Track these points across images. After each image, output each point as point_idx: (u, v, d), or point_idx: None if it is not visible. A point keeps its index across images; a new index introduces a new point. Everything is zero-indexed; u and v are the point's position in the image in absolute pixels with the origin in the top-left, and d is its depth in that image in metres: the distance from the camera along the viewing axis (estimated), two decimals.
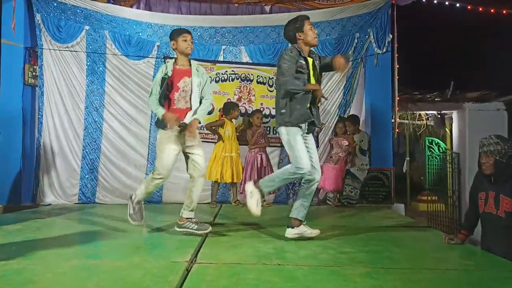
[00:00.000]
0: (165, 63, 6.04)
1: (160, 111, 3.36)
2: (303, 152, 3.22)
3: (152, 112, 6.14)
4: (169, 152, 3.40)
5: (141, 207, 3.60)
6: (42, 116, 5.94)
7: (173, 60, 3.55)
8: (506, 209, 2.87)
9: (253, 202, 3.31)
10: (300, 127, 3.28)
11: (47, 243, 3.18)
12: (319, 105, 3.37)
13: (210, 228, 3.42)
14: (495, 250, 2.93)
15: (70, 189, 5.97)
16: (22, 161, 5.78)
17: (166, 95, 3.38)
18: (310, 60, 3.38)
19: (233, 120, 5.66)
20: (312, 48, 3.47)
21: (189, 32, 3.49)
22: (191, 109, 3.45)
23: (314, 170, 3.28)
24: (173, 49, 3.57)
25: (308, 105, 3.28)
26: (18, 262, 2.61)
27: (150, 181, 3.46)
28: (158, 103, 3.40)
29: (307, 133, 3.37)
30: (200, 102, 3.51)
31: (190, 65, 3.50)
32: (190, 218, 3.45)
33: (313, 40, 3.35)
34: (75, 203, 5.85)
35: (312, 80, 3.34)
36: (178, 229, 3.46)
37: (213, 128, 5.60)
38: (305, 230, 3.30)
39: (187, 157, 3.51)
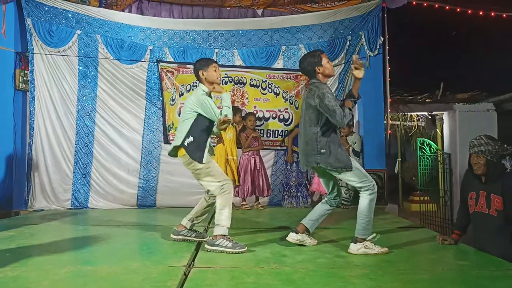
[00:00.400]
0: (158, 66, 6.12)
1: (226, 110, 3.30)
2: (361, 167, 3.28)
3: (145, 115, 6.14)
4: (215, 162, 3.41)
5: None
6: (33, 121, 5.89)
7: (204, 89, 3.38)
8: (497, 207, 2.91)
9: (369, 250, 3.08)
10: None
11: (41, 250, 3.14)
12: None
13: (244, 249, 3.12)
14: (487, 248, 2.97)
15: (62, 194, 5.91)
16: (14, 166, 5.71)
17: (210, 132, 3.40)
18: None
19: (234, 124, 5.66)
20: None
21: (215, 62, 3.46)
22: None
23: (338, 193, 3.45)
24: (200, 79, 3.40)
25: None
26: (12, 269, 2.58)
27: (225, 195, 3.23)
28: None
29: None
30: None
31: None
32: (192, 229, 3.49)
33: (332, 71, 3.43)
34: (67, 209, 5.80)
35: None
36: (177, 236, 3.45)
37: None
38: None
39: None
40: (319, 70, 3.30)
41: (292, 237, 3.31)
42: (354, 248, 3.05)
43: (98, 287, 2.25)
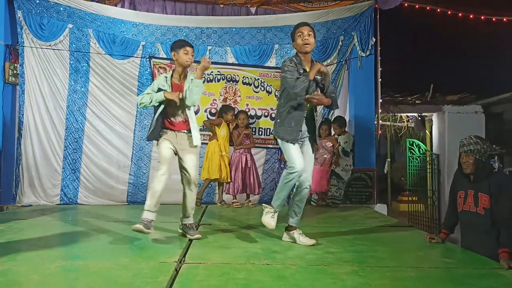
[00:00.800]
0: (150, 62, 6.10)
1: (159, 94, 3.38)
2: (296, 153, 3.25)
3: (136, 111, 6.11)
4: (166, 146, 3.44)
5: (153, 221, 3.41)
6: (22, 115, 5.82)
7: (171, 73, 3.55)
8: (484, 205, 2.96)
9: (267, 217, 3.27)
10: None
11: (31, 244, 3.12)
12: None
13: (197, 236, 3.39)
14: (474, 247, 3.03)
15: (51, 189, 5.86)
16: (2, 161, 5.64)
17: (163, 109, 3.42)
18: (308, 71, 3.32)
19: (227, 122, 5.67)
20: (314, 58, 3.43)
21: (190, 45, 3.49)
22: (187, 120, 3.48)
23: (304, 175, 3.29)
24: (173, 60, 3.54)
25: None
26: (2, 264, 2.57)
27: (154, 178, 3.44)
28: (146, 94, 3.47)
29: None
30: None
31: (187, 77, 3.50)
32: (189, 224, 3.53)
33: (301, 47, 3.25)
34: (56, 204, 5.75)
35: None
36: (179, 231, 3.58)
37: (211, 125, 5.64)
38: (297, 237, 3.28)
39: (179, 164, 3.51)
40: (294, 45, 3.34)
41: (284, 236, 3.39)
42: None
43: (89, 282, 2.25)
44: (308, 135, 3.37)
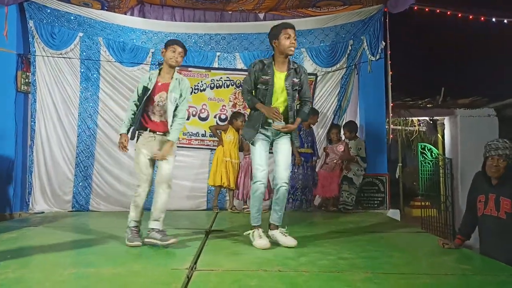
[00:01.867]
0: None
1: (122, 128, 3.47)
2: (258, 158, 3.27)
3: None
4: (143, 159, 3.41)
5: (138, 227, 3.44)
6: (34, 123, 5.88)
7: (158, 71, 3.50)
8: (506, 210, 2.90)
9: (255, 241, 3.26)
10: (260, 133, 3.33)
11: (43, 252, 3.13)
12: (278, 127, 3.25)
13: (172, 240, 3.23)
14: (494, 253, 2.95)
15: (63, 196, 5.89)
16: (14, 168, 5.70)
17: (144, 106, 3.37)
18: (279, 74, 3.27)
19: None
20: (294, 61, 3.42)
21: (181, 46, 3.41)
22: (164, 121, 3.40)
23: (278, 173, 3.28)
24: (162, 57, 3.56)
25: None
26: (14, 271, 2.56)
27: (135, 193, 3.45)
28: (131, 111, 3.44)
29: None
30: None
31: (171, 78, 3.43)
32: (154, 229, 3.34)
33: (287, 49, 3.19)
34: (68, 211, 5.78)
35: (275, 97, 3.27)
36: (145, 240, 3.35)
37: (217, 131, 5.65)
38: (277, 236, 3.32)
39: (154, 162, 3.49)
40: (275, 44, 3.25)
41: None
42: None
43: None
44: (285, 134, 3.35)
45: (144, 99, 3.35)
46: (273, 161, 3.41)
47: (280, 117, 3.22)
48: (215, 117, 6.18)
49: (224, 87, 6.25)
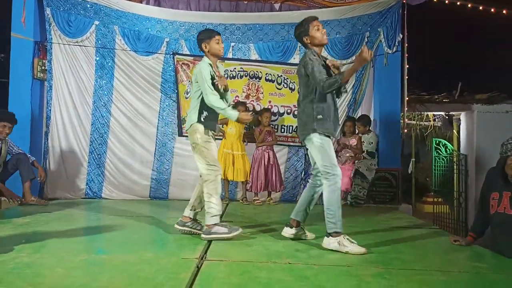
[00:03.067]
0: (173, 59, 6.13)
1: (233, 112, 3.32)
2: (333, 155, 3.11)
3: (159, 107, 6.15)
4: (214, 147, 3.43)
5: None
6: (50, 110, 5.95)
7: (207, 62, 3.36)
8: None
9: (348, 246, 2.91)
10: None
11: (56, 237, 3.18)
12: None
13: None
14: (507, 251, 2.90)
15: (77, 184, 5.97)
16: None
17: (202, 100, 3.33)
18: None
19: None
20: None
21: (219, 34, 3.42)
22: None
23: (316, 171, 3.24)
24: (202, 51, 3.42)
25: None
26: (28, 256, 2.61)
27: (212, 182, 3.24)
28: (221, 100, 3.31)
29: None
30: None
31: (218, 68, 3.48)
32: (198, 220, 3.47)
33: (323, 39, 3.17)
34: (81, 198, 5.86)
35: None
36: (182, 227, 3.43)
37: (219, 124, 5.63)
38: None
39: None
40: (307, 40, 3.20)
41: (286, 231, 3.28)
42: (326, 242, 3.00)
43: (112, 276, 2.26)
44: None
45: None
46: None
47: None
48: None
49: (238, 78, 6.23)
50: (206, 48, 3.37)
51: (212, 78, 3.28)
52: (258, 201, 5.52)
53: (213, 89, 3.26)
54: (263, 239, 3.31)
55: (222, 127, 5.60)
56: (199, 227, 3.39)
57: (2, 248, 2.70)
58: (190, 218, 3.43)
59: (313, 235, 3.34)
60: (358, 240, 3.30)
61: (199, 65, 3.36)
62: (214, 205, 3.21)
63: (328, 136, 3.12)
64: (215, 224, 3.20)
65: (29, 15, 5.76)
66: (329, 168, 3.03)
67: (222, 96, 3.37)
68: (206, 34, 3.40)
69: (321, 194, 3.17)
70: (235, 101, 6.04)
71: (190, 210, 3.45)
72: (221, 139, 5.71)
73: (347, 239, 2.95)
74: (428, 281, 2.35)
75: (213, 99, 3.25)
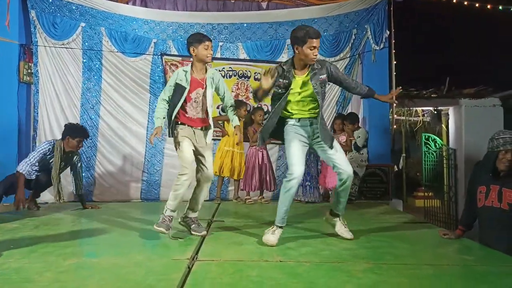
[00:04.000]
0: (162, 60, 6.10)
1: (157, 122, 3.34)
2: (295, 155, 3.16)
3: (149, 109, 6.12)
4: (187, 147, 3.30)
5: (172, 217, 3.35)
6: (37, 114, 5.89)
7: (189, 66, 3.37)
8: (509, 201, 2.88)
9: (267, 235, 3.09)
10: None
11: (45, 242, 3.13)
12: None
13: (204, 232, 3.32)
14: (495, 244, 2.93)
15: (66, 187, 5.86)
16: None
17: (177, 103, 3.31)
18: (300, 78, 3.19)
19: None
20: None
21: (210, 40, 3.34)
22: (205, 117, 3.40)
23: (339, 169, 3.22)
24: (191, 55, 3.39)
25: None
26: (16, 261, 2.58)
27: (176, 182, 3.27)
28: (164, 109, 3.36)
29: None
30: (223, 110, 3.50)
31: (206, 72, 3.39)
32: (192, 218, 3.42)
33: (309, 60, 3.13)
34: (71, 201, 5.79)
35: (294, 97, 3.19)
36: (180, 223, 3.44)
37: (219, 122, 5.60)
38: (339, 226, 3.37)
39: (197, 159, 3.39)
40: (297, 50, 3.15)
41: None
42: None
43: (101, 279, 2.24)
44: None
45: (180, 96, 3.28)
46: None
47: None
48: (217, 107, 6.15)
49: (227, 78, 6.22)
50: (193, 52, 3.32)
51: (176, 86, 3.31)
52: (250, 200, 5.52)
53: (167, 94, 3.37)
54: (254, 237, 3.30)
55: (223, 124, 5.58)
56: (193, 225, 3.37)
57: None
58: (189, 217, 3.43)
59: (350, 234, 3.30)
60: None
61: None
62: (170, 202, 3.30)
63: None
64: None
65: (13, 18, 5.70)
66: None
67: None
68: (195, 37, 3.33)
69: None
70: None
71: (187, 209, 3.46)
72: (219, 139, 5.70)
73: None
74: (418, 275, 2.37)
75: (157, 103, 3.44)
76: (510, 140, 2.98)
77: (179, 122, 3.36)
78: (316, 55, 3.14)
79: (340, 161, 3.22)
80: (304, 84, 3.20)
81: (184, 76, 3.32)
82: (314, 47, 3.09)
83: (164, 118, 3.37)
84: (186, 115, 3.36)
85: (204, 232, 3.32)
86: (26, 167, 4.59)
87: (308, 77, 3.19)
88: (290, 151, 3.18)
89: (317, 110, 3.22)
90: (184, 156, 3.27)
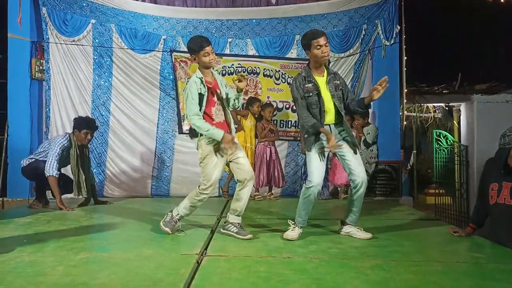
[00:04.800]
0: (171, 56, 6.12)
1: (218, 132, 3.12)
2: (315, 167, 3.16)
3: (159, 105, 6.16)
4: (215, 163, 3.20)
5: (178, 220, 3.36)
6: (49, 110, 5.96)
7: (197, 74, 3.22)
8: None
9: (288, 231, 3.17)
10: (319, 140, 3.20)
11: (57, 236, 3.19)
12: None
13: (249, 235, 3.16)
14: (507, 241, 2.90)
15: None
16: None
17: (203, 111, 3.20)
18: (320, 79, 3.22)
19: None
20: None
21: (210, 44, 3.19)
22: (227, 120, 3.33)
23: (353, 176, 3.19)
24: (194, 61, 3.35)
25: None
26: (29, 255, 2.64)
27: (196, 196, 3.23)
28: (205, 122, 3.17)
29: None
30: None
31: (213, 75, 3.34)
32: (235, 222, 3.29)
33: (320, 59, 3.16)
34: (83, 197, 5.86)
35: (325, 99, 3.19)
36: (222, 230, 3.32)
37: (238, 116, 5.58)
38: (353, 230, 3.26)
39: (232, 164, 3.31)
40: (308, 54, 3.22)
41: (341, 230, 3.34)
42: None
43: (112, 273, 2.28)
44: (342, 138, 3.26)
45: (204, 104, 3.18)
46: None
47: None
48: None
49: (236, 74, 6.21)
50: (196, 60, 3.27)
51: (200, 95, 3.15)
52: (259, 196, 5.54)
53: (197, 108, 3.14)
54: (262, 234, 3.32)
55: (240, 120, 5.58)
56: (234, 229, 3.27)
57: (4, 248, 2.73)
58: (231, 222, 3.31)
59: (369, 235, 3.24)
60: None
61: (189, 81, 3.26)
62: (182, 207, 3.30)
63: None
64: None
65: (25, 15, 5.77)
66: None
67: (237, 98, 3.33)
68: (194, 45, 3.20)
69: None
70: (245, 99, 5.94)
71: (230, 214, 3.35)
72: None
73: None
74: (426, 272, 2.36)
75: (194, 121, 3.14)
76: None
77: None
78: (326, 53, 3.15)
79: (355, 167, 3.21)
80: (323, 88, 3.21)
81: (201, 83, 3.19)
82: (321, 45, 3.11)
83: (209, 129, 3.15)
84: (214, 122, 3.24)
85: (250, 235, 3.16)
86: (54, 168, 4.47)
87: (325, 79, 3.23)
88: (311, 158, 3.18)
89: (336, 116, 3.23)
90: (213, 172, 3.17)
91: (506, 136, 3.00)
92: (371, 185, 5.80)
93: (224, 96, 3.31)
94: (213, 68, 3.37)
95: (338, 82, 3.27)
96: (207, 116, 3.23)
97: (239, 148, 3.31)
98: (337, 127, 3.25)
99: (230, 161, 3.30)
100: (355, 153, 3.23)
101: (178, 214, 3.31)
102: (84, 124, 4.72)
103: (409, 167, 7.47)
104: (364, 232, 3.23)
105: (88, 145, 5.02)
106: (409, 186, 6.90)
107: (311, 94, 3.18)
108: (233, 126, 3.39)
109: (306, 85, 3.19)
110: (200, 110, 3.16)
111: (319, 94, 3.18)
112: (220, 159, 3.22)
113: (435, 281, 2.22)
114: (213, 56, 3.21)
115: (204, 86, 3.18)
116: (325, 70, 3.26)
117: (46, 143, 4.81)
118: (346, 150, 3.22)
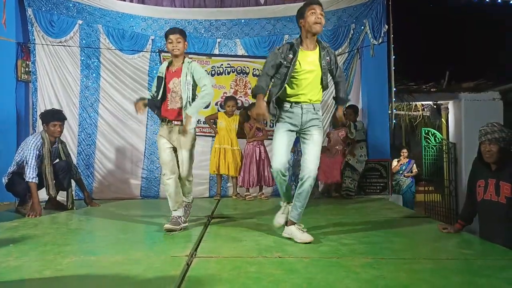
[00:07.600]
0: (160, 56, 6.08)
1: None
2: (277, 149, 3.07)
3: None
4: (162, 146, 3.43)
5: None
6: (36, 112, 5.87)
7: (170, 60, 3.50)
8: (506, 194, 2.88)
9: (276, 216, 3.23)
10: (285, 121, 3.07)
11: (44, 240, 3.14)
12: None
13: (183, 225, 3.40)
14: (494, 237, 2.94)
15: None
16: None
17: (162, 96, 3.42)
18: (309, 53, 3.02)
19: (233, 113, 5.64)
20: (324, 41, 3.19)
21: (174, 32, 3.39)
22: (182, 108, 3.38)
23: (303, 167, 3.03)
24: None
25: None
26: (15, 259, 2.58)
27: (162, 183, 3.47)
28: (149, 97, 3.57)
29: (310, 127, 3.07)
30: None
31: (183, 63, 3.41)
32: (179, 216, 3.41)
33: (312, 26, 2.93)
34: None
35: (302, 76, 2.99)
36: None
37: (211, 120, 5.64)
38: (294, 232, 3.03)
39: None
40: (301, 23, 3.03)
41: (284, 231, 3.15)
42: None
43: (100, 277, 2.25)
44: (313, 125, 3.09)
45: (161, 88, 3.40)
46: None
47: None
48: (216, 104, 6.15)
49: (225, 74, 6.21)
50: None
51: (160, 78, 3.44)
52: (249, 196, 5.52)
53: (154, 89, 3.52)
54: (253, 234, 3.30)
55: (215, 123, 5.59)
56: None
57: None
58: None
59: (310, 238, 3.03)
60: (348, 232, 3.34)
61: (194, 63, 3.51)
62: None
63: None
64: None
65: (10, 16, 5.67)
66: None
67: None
68: (165, 34, 3.49)
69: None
70: (223, 97, 6.02)
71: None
72: (213, 136, 5.71)
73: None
74: (416, 269, 2.37)
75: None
76: (484, 132, 2.98)
77: (161, 116, 3.50)
78: (320, 19, 2.94)
79: (309, 159, 3.03)
80: (312, 62, 3.03)
81: (165, 69, 3.46)
82: (314, 12, 2.94)
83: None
84: (167, 107, 3.42)
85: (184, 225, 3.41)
86: (34, 173, 4.36)
87: (317, 53, 3.05)
88: (275, 135, 3.14)
89: (318, 96, 3.09)
90: (160, 155, 3.47)
91: (479, 132, 3.04)
92: (361, 183, 5.83)
93: (185, 87, 3.36)
94: (183, 56, 3.45)
95: (328, 59, 3.08)
96: (164, 100, 3.44)
97: (183, 145, 3.38)
98: (310, 110, 3.06)
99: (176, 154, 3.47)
100: (317, 146, 3.06)
101: (171, 212, 3.42)
102: (50, 117, 4.57)
103: (412, 173, 7.54)
104: (306, 235, 2.98)
105: (63, 140, 4.89)
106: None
107: (284, 62, 2.99)
108: (193, 120, 3.37)
109: (288, 55, 2.99)
110: (157, 92, 3.43)
111: (290, 68, 2.97)
112: (164, 142, 3.44)
113: (425, 279, 2.22)
114: (175, 44, 3.37)
115: (164, 71, 3.44)
116: (318, 45, 3.07)
117: (19, 149, 4.60)
118: (311, 139, 3.06)
